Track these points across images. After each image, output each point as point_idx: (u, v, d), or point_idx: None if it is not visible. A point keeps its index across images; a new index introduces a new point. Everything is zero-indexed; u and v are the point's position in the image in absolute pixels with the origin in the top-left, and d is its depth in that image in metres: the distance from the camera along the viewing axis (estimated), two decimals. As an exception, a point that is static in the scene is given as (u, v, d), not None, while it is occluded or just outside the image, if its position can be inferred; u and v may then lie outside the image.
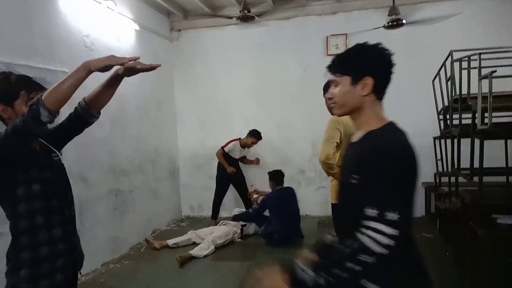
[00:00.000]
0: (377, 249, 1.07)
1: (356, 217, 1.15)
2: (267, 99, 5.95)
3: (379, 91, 1.26)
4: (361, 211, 1.12)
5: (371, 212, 1.11)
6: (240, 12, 4.53)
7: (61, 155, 1.73)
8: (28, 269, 1.52)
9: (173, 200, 6.10)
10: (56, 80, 1.38)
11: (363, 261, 1.07)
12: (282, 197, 4.66)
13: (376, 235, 1.08)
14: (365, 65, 1.24)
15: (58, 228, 1.61)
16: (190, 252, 4.19)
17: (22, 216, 1.52)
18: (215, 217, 5.51)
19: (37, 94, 1.39)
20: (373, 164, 1.16)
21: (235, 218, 5.06)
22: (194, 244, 4.53)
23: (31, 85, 1.58)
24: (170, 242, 4.58)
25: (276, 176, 4.87)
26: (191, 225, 5.61)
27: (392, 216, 1.09)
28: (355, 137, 1.34)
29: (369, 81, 1.22)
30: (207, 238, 4.46)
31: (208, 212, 5.76)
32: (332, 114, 2.84)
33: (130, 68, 1.49)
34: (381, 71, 1.25)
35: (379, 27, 4.99)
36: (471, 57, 3.40)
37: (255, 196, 5.13)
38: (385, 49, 1.26)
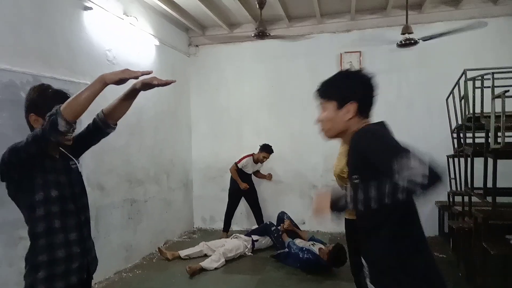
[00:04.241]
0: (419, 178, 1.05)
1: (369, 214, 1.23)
2: (280, 113, 6.02)
3: (363, 113, 1.35)
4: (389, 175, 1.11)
5: (395, 167, 1.09)
6: (256, 29, 4.65)
7: (79, 163, 1.81)
8: (45, 271, 1.57)
9: (186, 212, 6.17)
10: (78, 92, 1.45)
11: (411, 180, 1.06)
12: (301, 249, 4.37)
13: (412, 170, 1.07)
14: (348, 91, 1.34)
15: (74, 232, 1.67)
16: (201, 263, 4.23)
17: (40, 220, 1.58)
18: (226, 230, 5.54)
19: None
20: (364, 150, 1.26)
21: (252, 232, 5.03)
22: (206, 256, 4.57)
23: (65, 100, 1.61)
24: (182, 253, 4.62)
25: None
26: (203, 237, 5.64)
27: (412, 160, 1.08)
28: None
29: (352, 106, 1.32)
30: (218, 251, 4.49)
31: (220, 224, 5.80)
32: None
33: (147, 83, 1.58)
34: (364, 95, 1.35)
35: (393, 45, 5.04)
36: (484, 76, 3.42)
37: (286, 224, 4.94)
38: (367, 75, 1.36)
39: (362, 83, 1.35)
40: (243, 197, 5.60)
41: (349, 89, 1.34)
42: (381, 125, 1.34)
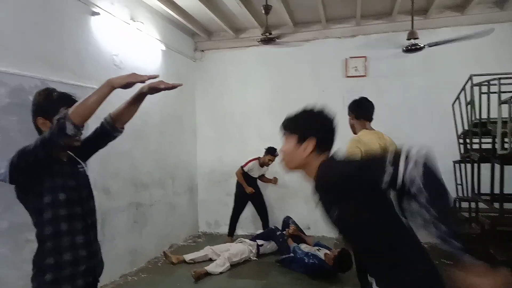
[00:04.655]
0: None
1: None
2: (284, 118, 6.01)
3: (321, 149, 1.42)
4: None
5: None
6: (262, 34, 4.67)
7: (86, 166, 1.83)
8: (52, 274, 1.58)
9: (191, 216, 6.17)
10: (86, 96, 1.47)
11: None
12: (306, 254, 4.35)
13: None
14: (308, 128, 1.42)
15: (80, 235, 1.68)
16: (206, 268, 4.23)
17: (48, 223, 1.59)
18: (231, 234, 5.53)
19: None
20: (327, 196, 1.37)
21: (257, 236, 5.03)
22: (210, 260, 4.56)
23: (71, 103, 1.66)
24: (187, 257, 4.62)
25: None
26: (208, 241, 5.64)
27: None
28: None
29: (311, 142, 1.39)
30: (223, 255, 4.49)
31: (224, 229, 5.79)
32: (354, 133, 2.90)
33: (154, 87, 1.60)
34: (323, 133, 1.43)
35: (398, 50, 5.05)
36: (491, 82, 3.41)
37: (292, 230, 4.92)
38: (329, 115, 1.45)
39: (322, 122, 1.44)
40: (249, 202, 5.60)
41: (309, 126, 1.43)
42: (334, 159, 1.43)
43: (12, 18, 2.96)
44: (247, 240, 4.95)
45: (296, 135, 1.42)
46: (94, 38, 3.85)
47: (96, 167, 3.70)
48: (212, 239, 5.83)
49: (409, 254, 1.30)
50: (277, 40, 4.75)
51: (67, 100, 1.67)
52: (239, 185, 5.47)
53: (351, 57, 5.73)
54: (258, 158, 5.46)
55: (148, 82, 1.57)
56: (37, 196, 1.58)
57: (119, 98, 1.71)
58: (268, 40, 4.64)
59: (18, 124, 2.85)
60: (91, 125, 1.80)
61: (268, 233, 5.01)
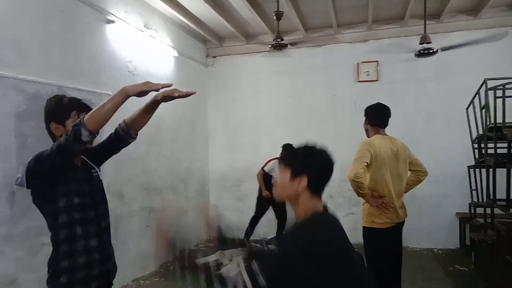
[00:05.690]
0: None
1: None
2: (296, 123, 6.02)
3: (313, 189, 1.40)
4: None
5: None
6: (273, 40, 4.70)
7: (100, 171, 1.86)
8: (66, 277, 1.60)
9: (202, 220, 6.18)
10: (101, 102, 1.50)
11: None
12: None
13: None
14: (303, 165, 1.41)
15: (94, 239, 1.70)
16: (218, 272, 4.23)
17: (62, 226, 1.62)
18: (248, 237, 5.47)
19: (86, 115, 1.50)
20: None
21: (268, 242, 5.00)
22: (222, 265, 4.56)
23: (80, 107, 1.72)
24: (199, 262, 4.62)
25: None
26: (219, 246, 5.63)
27: None
28: None
29: (304, 179, 1.38)
30: (235, 260, 4.48)
31: (235, 233, 5.78)
32: (368, 137, 2.89)
33: (168, 95, 1.62)
34: (317, 174, 1.42)
35: (411, 55, 5.01)
36: (506, 86, 3.37)
37: None
38: (327, 157, 1.45)
39: (319, 163, 1.43)
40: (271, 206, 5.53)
41: (305, 163, 1.41)
42: (314, 236, 1.30)
43: (30, 27, 3.05)
44: (259, 245, 4.92)
45: (290, 169, 1.42)
46: (109, 45, 3.93)
47: (110, 172, 3.77)
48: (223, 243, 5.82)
49: None
50: (289, 46, 4.78)
51: (77, 104, 1.72)
52: (261, 189, 5.44)
53: (362, 62, 5.72)
54: (278, 158, 5.42)
55: (162, 90, 1.60)
56: (52, 200, 1.61)
57: (135, 105, 1.74)
58: (280, 46, 4.67)
59: (35, 130, 2.92)
60: (106, 131, 1.84)
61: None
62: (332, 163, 1.45)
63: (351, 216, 5.56)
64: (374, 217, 2.73)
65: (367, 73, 5.68)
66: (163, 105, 1.75)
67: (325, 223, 1.37)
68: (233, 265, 4.31)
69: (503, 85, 3.40)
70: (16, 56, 2.92)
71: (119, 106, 1.50)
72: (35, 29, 3.09)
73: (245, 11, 4.93)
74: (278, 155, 5.42)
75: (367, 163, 2.66)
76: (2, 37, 2.81)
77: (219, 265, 1.46)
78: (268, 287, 1.18)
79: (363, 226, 2.81)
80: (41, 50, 3.14)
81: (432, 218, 5.32)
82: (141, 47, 4.48)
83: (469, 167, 4.68)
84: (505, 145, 3.37)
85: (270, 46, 4.74)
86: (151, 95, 1.67)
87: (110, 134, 1.84)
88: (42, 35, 3.15)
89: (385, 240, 2.71)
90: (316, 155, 1.44)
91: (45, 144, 1.63)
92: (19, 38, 2.95)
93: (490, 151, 3.74)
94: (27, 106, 2.94)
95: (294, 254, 1.23)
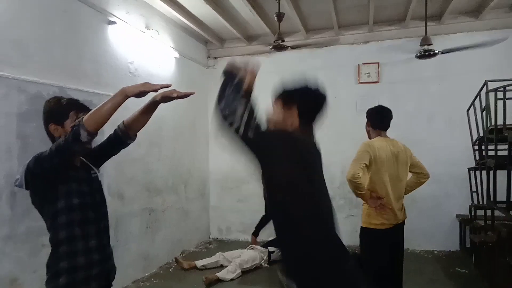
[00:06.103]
0: None
1: None
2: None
3: (303, 118, 1.59)
4: None
5: None
6: (274, 41, 4.71)
7: (99, 172, 1.86)
8: (66, 277, 1.61)
9: (202, 222, 6.20)
10: (101, 103, 1.51)
11: None
12: None
13: None
14: (292, 96, 1.61)
15: (94, 239, 1.70)
16: (217, 274, 4.23)
17: (62, 227, 1.62)
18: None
19: (84, 115, 1.51)
20: None
21: (269, 243, 5.01)
22: (222, 266, 4.57)
23: (79, 107, 1.74)
24: (199, 263, 4.64)
25: None
26: (219, 247, 5.65)
27: None
28: None
29: (294, 110, 1.59)
30: (234, 261, 4.49)
31: (236, 235, 5.80)
32: (369, 138, 2.90)
33: (167, 96, 1.63)
34: (305, 103, 1.59)
35: (411, 56, 5.02)
36: (507, 88, 3.37)
37: None
38: (316, 89, 1.60)
39: (307, 92, 1.59)
40: None
41: (294, 93, 1.61)
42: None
43: (31, 28, 3.05)
44: (259, 247, 4.94)
45: (281, 100, 1.60)
46: (110, 46, 3.94)
47: (111, 172, 3.78)
48: (224, 245, 5.84)
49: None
50: (290, 47, 4.78)
51: (75, 105, 1.73)
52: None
53: (363, 63, 5.72)
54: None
55: (161, 91, 1.60)
56: (52, 201, 1.61)
57: (136, 105, 1.75)
58: (280, 47, 4.67)
59: (36, 130, 2.91)
60: (107, 131, 1.84)
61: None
62: (321, 94, 1.59)
63: (352, 218, 5.55)
64: (372, 218, 2.75)
65: (368, 74, 5.68)
66: (164, 106, 1.76)
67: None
68: (232, 267, 4.32)
69: (504, 87, 3.41)
70: (18, 56, 2.93)
71: (118, 107, 1.51)
72: (37, 30, 3.09)
73: (246, 12, 4.94)
74: None
75: (366, 164, 2.67)
76: (4, 38, 2.82)
77: None
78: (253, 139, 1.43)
79: (361, 227, 2.83)
80: (43, 50, 3.15)
81: (433, 220, 5.32)
82: (142, 48, 4.49)
83: (469, 169, 4.67)
84: (506, 147, 3.36)
85: (271, 47, 4.75)
86: (151, 95, 1.68)
87: (109, 135, 1.85)
88: (44, 36, 3.16)
89: (382, 241, 2.72)
90: (304, 87, 1.59)
91: (47, 144, 1.64)
92: (21, 38, 2.96)
93: (491, 153, 3.74)
94: (29, 106, 2.95)
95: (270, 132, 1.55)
